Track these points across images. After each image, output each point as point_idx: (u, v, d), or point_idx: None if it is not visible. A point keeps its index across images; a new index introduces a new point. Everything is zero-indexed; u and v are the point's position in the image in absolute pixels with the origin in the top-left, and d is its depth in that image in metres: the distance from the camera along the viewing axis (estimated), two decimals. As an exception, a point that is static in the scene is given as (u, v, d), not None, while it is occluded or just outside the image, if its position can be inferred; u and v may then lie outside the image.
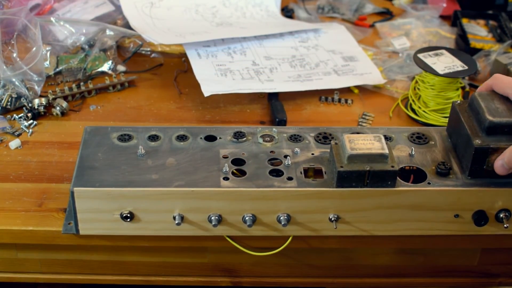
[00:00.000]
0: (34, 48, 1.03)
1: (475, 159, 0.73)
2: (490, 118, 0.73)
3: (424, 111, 1.00)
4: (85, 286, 1.15)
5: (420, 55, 1.01)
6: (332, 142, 0.74)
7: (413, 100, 1.03)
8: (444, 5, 1.38)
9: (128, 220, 0.73)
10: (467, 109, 0.78)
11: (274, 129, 0.81)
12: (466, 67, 0.99)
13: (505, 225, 0.75)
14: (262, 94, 1.08)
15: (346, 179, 0.71)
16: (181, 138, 0.80)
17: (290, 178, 0.74)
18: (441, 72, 0.97)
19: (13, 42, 1.06)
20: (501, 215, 0.75)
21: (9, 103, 0.99)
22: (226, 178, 0.73)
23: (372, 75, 1.12)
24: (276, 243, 0.77)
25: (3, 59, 1.01)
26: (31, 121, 0.97)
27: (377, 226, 0.75)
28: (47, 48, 1.11)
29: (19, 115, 0.98)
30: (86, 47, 1.14)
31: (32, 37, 1.05)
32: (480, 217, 0.75)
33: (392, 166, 0.71)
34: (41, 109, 0.99)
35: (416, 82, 1.03)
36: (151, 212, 0.73)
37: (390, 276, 0.88)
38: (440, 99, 0.99)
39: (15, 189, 0.82)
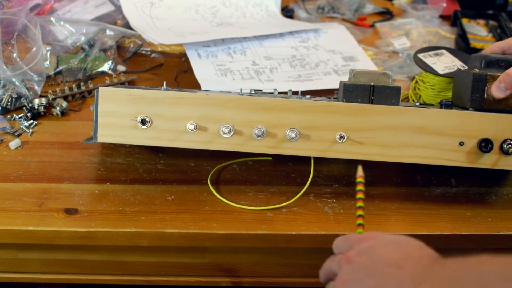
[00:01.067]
0: (34, 48, 1.03)
1: (474, 87, 0.79)
2: (486, 53, 0.80)
3: (424, 111, 1.00)
4: (85, 286, 1.15)
5: (420, 55, 1.01)
6: (340, 80, 0.81)
7: (413, 100, 1.02)
8: (444, 5, 1.38)
9: (145, 125, 0.78)
10: (468, 69, 0.84)
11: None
12: (466, 67, 0.98)
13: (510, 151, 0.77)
14: (262, 94, 1.08)
15: (352, 93, 0.77)
16: None
17: (300, 99, 0.80)
18: (441, 72, 0.97)
19: (13, 42, 1.06)
20: (506, 146, 0.77)
21: (9, 103, 0.99)
22: None
23: (372, 75, 1.12)
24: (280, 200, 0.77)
25: (3, 59, 1.01)
26: (31, 121, 0.97)
27: (383, 150, 0.78)
28: (47, 48, 1.11)
29: (19, 115, 0.98)
30: (86, 47, 1.14)
31: (32, 37, 1.05)
32: (485, 144, 0.77)
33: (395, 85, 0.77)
34: (41, 109, 0.99)
35: (416, 82, 1.03)
36: (167, 119, 0.78)
37: (390, 276, 0.87)
38: (440, 99, 0.99)
39: (15, 189, 0.82)
